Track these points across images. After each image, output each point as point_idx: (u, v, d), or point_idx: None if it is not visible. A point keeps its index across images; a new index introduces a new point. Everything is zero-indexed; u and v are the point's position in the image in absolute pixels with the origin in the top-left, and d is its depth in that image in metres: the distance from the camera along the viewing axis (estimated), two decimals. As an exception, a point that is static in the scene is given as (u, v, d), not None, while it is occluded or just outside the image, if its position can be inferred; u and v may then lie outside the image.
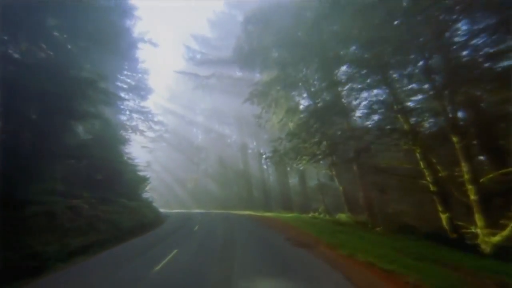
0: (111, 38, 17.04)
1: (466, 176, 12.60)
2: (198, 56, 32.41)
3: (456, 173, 14.39)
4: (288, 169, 34.79)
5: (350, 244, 7.95)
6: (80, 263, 7.93)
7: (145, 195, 32.77)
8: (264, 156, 22.04)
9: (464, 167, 12.78)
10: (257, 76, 24.19)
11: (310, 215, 20.95)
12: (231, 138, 45.54)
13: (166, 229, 15.63)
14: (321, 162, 24.57)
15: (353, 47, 16.36)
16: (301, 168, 22.58)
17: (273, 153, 18.09)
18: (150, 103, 49.22)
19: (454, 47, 12.72)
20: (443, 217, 14.02)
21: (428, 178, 14.80)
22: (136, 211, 17.92)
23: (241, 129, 37.96)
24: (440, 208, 14.23)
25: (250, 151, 44.38)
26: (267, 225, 14.78)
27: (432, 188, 14.65)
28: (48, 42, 14.80)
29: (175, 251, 8.27)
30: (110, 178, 19.79)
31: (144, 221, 17.35)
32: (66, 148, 13.00)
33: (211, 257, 7.33)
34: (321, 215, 19.90)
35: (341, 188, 22.38)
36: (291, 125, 20.40)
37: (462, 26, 12.81)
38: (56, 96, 12.03)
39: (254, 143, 43.59)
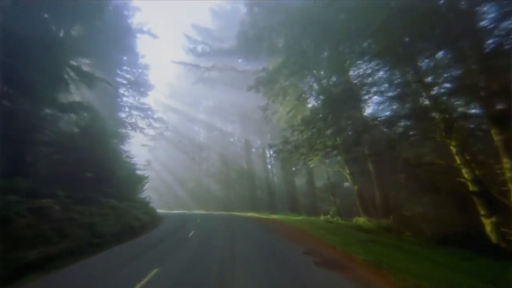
0: (98, 15, 14.86)
1: (509, 174, 10.31)
2: (200, 47, 30.18)
3: (497, 171, 12.08)
4: (294, 169, 32.37)
5: (401, 264, 5.48)
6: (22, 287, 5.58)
7: (143, 195, 30.67)
8: (271, 151, 19.55)
9: (506, 163, 10.45)
10: (262, 67, 21.76)
11: (321, 218, 18.44)
12: (234, 136, 43.18)
13: (157, 235, 13.26)
14: (333, 158, 22.08)
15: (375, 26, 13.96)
16: (312, 165, 20.13)
17: (284, 145, 15.63)
18: (150, 100, 47.06)
19: (482, 31, 10.76)
20: (487, 222, 11.56)
21: (466, 176, 12.36)
22: (126, 213, 15.60)
23: (244, 126, 35.57)
24: (482, 212, 11.79)
25: (254, 150, 41.98)
26: (276, 230, 12.33)
27: (471, 187, 12.22)
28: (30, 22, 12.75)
29: (155, 271, 5.87)
30: (100, 176, 17.55)
31: (134, 224, 14.99)
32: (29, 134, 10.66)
33: (202, 285, 4.91)
34: (335, 219, 17.39)
35: (356, 188, 19.91)
36: (299, 118, 17.97)
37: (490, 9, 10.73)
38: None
39: (258, 142, 41.26)
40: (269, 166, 38.28)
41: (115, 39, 26.46)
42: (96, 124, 18.71)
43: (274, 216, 22.14)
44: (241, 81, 28.67)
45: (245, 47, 19.60)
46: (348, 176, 20.62)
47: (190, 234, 11.75)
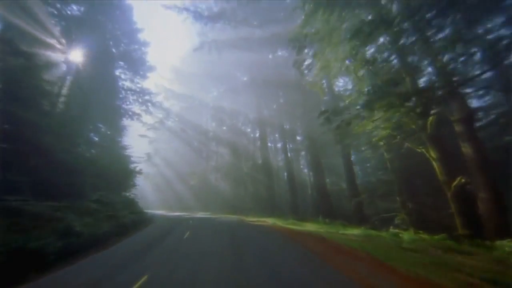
0: None
1: None
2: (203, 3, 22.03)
3: None
4: (323, 161, 23.77)
5: None
6: None
7: (129, 193, 23.37)
8: (325, 113, 10.99)
9: None
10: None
11: (404, 236, 9.88)
12: (247, 125, 35.09)
13: (92, 267, 5.33)
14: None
15: None
16: (381, 143, 11.61)
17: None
18: (151, 85, 39.60)
19: None
20: None
21: None
22: (48, 225, 7.77)
23: (260, 110, 27.40)
24: None
25: (271, 144, 33.78)
26: (348, 276, 3.97)
27: None
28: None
29: None
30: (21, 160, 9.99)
31: (49, 246, 7.07)
32: None
33: None
34: (438, 238, 8.79)
35: (453, 184, 11.41)
36: (359, 83, 9.59)
37: None
38: None
39: (276, 135, 33.15)
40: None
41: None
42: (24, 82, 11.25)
43: (309, 227, 13.68)
44: (256, 43, 20.63)
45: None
46: (434, 163, 12.10)
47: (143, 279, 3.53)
